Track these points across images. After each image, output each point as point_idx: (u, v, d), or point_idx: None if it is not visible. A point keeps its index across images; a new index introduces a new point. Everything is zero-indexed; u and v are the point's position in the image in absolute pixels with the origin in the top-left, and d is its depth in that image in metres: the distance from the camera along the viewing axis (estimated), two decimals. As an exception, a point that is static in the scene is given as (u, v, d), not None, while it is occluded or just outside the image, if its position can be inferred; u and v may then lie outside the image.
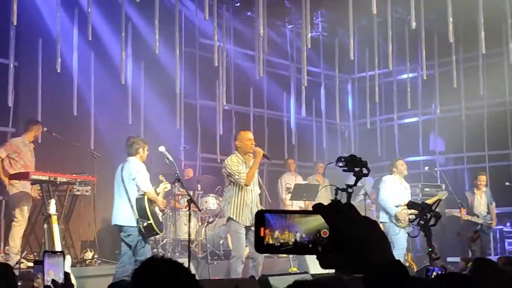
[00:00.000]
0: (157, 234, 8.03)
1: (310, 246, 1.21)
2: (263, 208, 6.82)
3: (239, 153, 8.07)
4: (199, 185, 10.69)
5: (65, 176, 8.84)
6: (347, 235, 1.19)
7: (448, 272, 2.55)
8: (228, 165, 7.93)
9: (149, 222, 7.68)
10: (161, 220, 8.11)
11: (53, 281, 3.12)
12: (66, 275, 3.20)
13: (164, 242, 10.00)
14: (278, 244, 1.21)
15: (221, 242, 10.15)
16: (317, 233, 1.20)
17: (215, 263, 9.81)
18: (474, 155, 14.20)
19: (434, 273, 3.21)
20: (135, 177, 7.81)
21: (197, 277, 8.00)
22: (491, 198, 11.26)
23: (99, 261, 9.19)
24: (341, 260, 1.20)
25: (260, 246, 1.22)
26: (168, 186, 8.40)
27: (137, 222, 7.72)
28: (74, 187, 8.98)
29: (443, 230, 11.05)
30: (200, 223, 10.37)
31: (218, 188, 11.00)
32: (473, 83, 13.55)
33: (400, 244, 9.68)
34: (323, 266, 1.21)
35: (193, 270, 9.11)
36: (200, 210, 9.32)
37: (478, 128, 13.98)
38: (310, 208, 1.25)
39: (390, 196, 9.72)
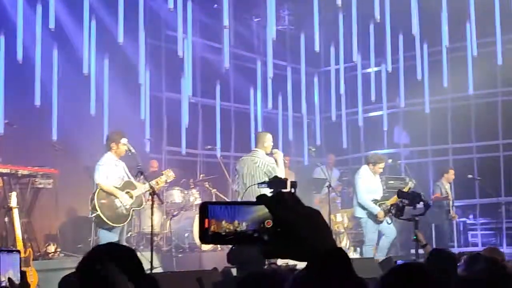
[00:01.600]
0: (112, 225, 8.03)
1: (255, 235, 1.22)
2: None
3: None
4: (164, 178, 10.61)
5: (27, 168, 8.72)
6: (290, 224, 1.21)
7: (404, 263, 2.56)
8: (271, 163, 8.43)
9: (96, 213, 7.84)
10: (125, 212, 8.10)
11: (9, 279, 3.08)
12: (23, 273, 3.19)
13: (128, 235, 9.91)
14: (224, 233, 1.22)
15: (186, 235, 10.11)
16: (262, 223, 1.22)
17: (180, 255, 9.77)
18: (438, 148, 14.36)
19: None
20: (95, 170, 8.06)
21: (161, 270, 7.90)
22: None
23: (62, 255, 9.09)
24: (284, 249, 1.22)
25: (204, 237, 1.23)
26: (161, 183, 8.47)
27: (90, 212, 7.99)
28: (36, 180, 8.85)
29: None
30: (165, 216, 10.31)
31: (183, 181, 10.96)
32: (437, 76, 13.69)
33: (372, 240, 9.78)
34: (266, 255, 1.23)
35: (157, 263, 9.05)
36: (162, 203, 9.24)
37: (442, 121, 14.13)
38: None
39: (369, 191, 9.78)
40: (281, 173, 8.65)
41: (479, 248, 11.22)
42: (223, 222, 1.22)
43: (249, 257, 4.52)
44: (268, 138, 8.87)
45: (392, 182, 11.61)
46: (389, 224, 9.63)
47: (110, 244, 2.55)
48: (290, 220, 1.21)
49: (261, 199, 1.23)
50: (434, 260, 4.13)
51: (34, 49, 10.70)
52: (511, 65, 12.91)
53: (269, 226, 1.22)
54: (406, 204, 6.81)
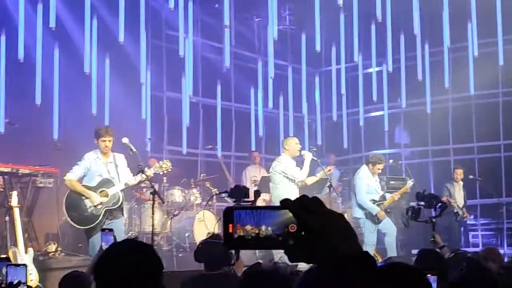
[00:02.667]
0: (84, 228, 7.63)
1: (280, 240, 1.23)
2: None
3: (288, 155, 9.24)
4: (164, 178, 10.61)
5: (28, 168, 8.72)
6: (315, 228, 1.21)
7: (395, 262, 2.56)
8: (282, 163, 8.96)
9: (64, 217, 7.59)
10: (94, 213, 7.62)
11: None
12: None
13: (129, 234, 9.91)
14: (249, 237, 1.23)
15: (186, 234, 10.10)
16: (285, 227, 1.22)
17: (181, 255, 9.76)
18: (439, 149, 14.35)
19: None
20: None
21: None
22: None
23: (63, 254, 9.08)
24: (309, 253, 1.22)
25: (229, 242, 1.24)
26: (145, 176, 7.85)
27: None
28: (37, 179, 8.87)
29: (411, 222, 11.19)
30: (166, 216, 10.31)
31: (183, 181, 10.96)
32: (438, 77, 13.68)
33: (372, 241, 9.79)
34: (292, 259, 1.24)
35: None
36: (163, 202, 9.17)
37: (443, 121, 14.12)
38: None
39: (369, 192, 9.81)
40: (300, 174, 9.10)
41: (480, 249, 11.21)
42: (248, 227, 1.23)
43: (216, 254, 4.49)
44: (288, 143, 9.31)
45: (393, 182, 11.61)
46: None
47: (128, 241, 2.50)
48: (314, 224, 1.21)
49: (285, 203, 1.24)
50: (422, 260, 4.13)
51: (35, 48, 10.70)
52: (513, 66, 12.91)
53: (293, 231, 1.22)
54: (423, 206, 6.78)
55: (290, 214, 1.23)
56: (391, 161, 13.31)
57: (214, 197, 10.48)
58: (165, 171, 8.23)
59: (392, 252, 9.61)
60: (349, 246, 1.22)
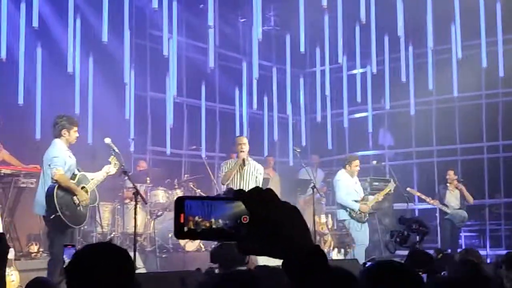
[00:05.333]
0: (73, 227, 7.27)
1: (232, 231, 1.21)
2: None
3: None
4: (148, 178, 10.57)
5: (9, 168, 8.64)
6: (268, 220, 1.20)
7: (382, 260, 2.56)
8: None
9: (57, 214, 7.01)
10: (83, 211, 7.34)
11: None
12: (1, 235, 2.96)
13: (112, 235, 9.86)
14: (200, 230, 1.22)
15: (170, 235, 10.07)
16: (238, 219, 1.21)
17: (164, 256, 9.73)
18: (422, 150, 14.42)
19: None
20: (50, 162, 7.17)
21: (145, 270, 7.84)
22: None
23: (45, 255, 8.99)
24: (260, 246, 1.21)
25: (179, 232, 1.23)
26: (112, 170, 7.62)
27: (46, 212, 7.12)
28: (19, 179, 8.79)
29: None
30: (149, 217, 10.26)
31: (167, 181, 10.92)
32: (422, 78, 13.75)
33: (362, 240, 9.81)
34: (242, 251, 1.22)
35: (141, 263, 9.01)
36: (146, 203, 9.07)
37: (427, 123, 14.19)
38: None
39: (348, 193, 9.86)
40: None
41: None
42: (200, 218, 1.22)
43: (232, 256, 4.54)
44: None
45: (376, 183, 11.67)
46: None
47: (104, 244, 2.43)
48: (267, 216, 1.20)
49: (238, 194, 1.22)
50: (411, 260, 4.15)
51: (18, 47, 10.62)
52: (496, 68, 12.99)
53: (245, 222, 1.21)
54: (404, 231, 6.65)
55: (243, 206, 1.21)
56: (374, 162, 13.37)
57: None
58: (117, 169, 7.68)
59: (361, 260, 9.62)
60: (300, 239, 1.22)
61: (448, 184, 11.54)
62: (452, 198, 11.45)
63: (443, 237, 11.41)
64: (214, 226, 1.21)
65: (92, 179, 7.58)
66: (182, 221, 1.22)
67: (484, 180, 13.57)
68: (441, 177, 12.19)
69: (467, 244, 12.86)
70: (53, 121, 7.47)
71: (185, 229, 1.22)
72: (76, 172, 7.45)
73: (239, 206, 1.22)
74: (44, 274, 7.72)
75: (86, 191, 7.42)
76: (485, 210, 13.20)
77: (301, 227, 1.23)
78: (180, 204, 1.23)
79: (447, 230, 11.35)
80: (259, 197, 1.22)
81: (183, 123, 13.45)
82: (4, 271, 2.95)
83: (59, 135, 7.34)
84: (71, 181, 7.33)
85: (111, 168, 7.63)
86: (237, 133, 14.21)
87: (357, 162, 10.16)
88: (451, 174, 11.61)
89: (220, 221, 1.22)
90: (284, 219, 1.21)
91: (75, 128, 7.42)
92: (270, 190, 1.23)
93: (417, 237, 6.41)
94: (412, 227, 6.37)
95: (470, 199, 11.48)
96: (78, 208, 7.28)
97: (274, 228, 1.20)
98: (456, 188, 11.47)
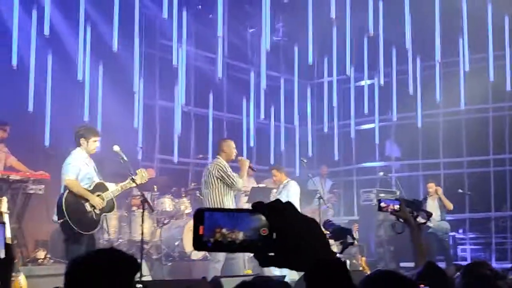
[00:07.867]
0: (82, 233, 7.16)
1: (251, 244, 1.21)
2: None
3: (224, 159, 8.49)
4: (155, 186, 10.61)
5: (18, 174, 8.70)
6: (288, 233, 1.21)
7: (386, 270, 2.58)
8: (223, 167, 8.28)
9: (64, 219, 7.02)
10: (95, 218, 7.30)
11: None
12: (8, 247, 2.97)
13: (118, 243, 9.90)
14: (226, 242, 1.21)
15: (176, 243, 10.10)
16: (257, 231, 1.21)
17: (170, 264, 9.76)
18: (429, 162, 14.42)
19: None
20: (63, 170, 7.29)
21: (151, 278, 7.85)
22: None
23: (52, 261, 9.05)
24: (280, 258, 1.21)
25: (198, 244, 1.22)
26: (138, 181, 7.55)
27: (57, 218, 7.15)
28: (28, 185, 8.83)
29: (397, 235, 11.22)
30: (155, 224, 10.30)
31: (174, 190, 10.96)
32: (430, 91, 13.78)
33: None
34: (262, 264, 1.22)
35: (147, 271, 9.05)
36: (153, 211, 9.08)
37: (434, 135, 14.21)
38: None
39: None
40: (240, 181, 8.47)
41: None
42: (221, 230, 1.21)
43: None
44: (226, 145, 8.78)
45: (382, 195, 11.68)
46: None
47: (111, 250, 2.33)
48: (286, 228, 1.20)
49: (257, 206, 1.22)
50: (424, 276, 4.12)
51: (29, 55, 10.70)
52: (503, 81, 13.02)
53: (264, 234, 1.20)
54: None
55: (262, 218, 1.21)
56: (381, 173, 13.39)
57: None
58: (143, 182, 7.75)
59: None
60: (319, 252, 1.22)
61: (428, 197, 11.48)
62: (432, 210, 11.40)
63: (431, 251, 11.34)
64: (241, 238, 1.21)
65: (116, 187, 7.53)
66: (201, 232, 1.21)
67: (490, 193, 13.57)
68: (447, 190, 12.17)
69: (473, 257, 12.85)
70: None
71: (212, 240, 1.21)
72: (96, 180, 7.47)
73: (259, 218, 1.22)
74: (51, 280, 7.80)
75: (102, 199, 7.39)
76: (491, 223, 13.18)
77: (322, 239, 1.24)
78: (199, 216, 1.22)
79: (433, 243, 11.28)
80: (278, 209, 1.22)
81: (191, 132, 13.51)
82: (10, 277, 2.95)
83: (78, 144, 7.47)
84: (85, 187, 7.34)
85: (137, 180, 7.57)
86: (244, 143, 14.25)
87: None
88: (432, 187, 11.54)
89: (245, 233, 1.21)
90: (305, 231, 1.22)
91: (94, 138, 7.49)
92: (289, 202, 1.24)
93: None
94: (413, 209, 6.31)
95: (450, 206, 11.44)
96: (90, 214, 7.27)
97: (295, 240, 1.20)
98: (436, 193, 11.42)
